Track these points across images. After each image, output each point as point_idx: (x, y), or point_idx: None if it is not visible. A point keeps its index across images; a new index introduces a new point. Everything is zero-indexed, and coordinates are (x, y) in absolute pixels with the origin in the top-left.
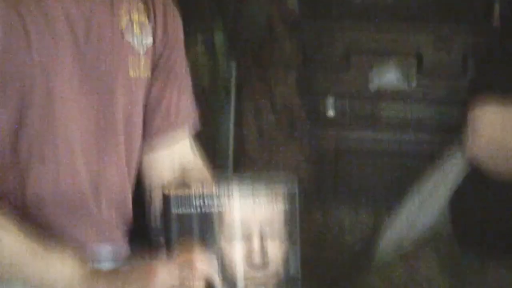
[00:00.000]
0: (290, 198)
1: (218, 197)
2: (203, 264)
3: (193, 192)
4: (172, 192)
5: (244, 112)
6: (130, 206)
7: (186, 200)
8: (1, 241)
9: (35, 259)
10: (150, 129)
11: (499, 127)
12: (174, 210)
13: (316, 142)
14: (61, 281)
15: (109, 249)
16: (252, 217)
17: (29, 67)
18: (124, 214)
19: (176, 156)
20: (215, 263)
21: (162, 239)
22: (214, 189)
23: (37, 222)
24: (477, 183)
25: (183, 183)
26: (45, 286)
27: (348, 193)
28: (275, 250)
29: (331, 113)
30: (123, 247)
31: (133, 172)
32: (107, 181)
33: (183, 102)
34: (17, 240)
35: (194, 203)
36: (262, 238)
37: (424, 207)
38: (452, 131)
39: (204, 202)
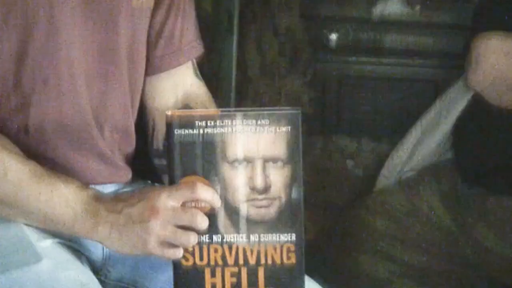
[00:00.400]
0: (292, 121)
1: (221, 120)
2: (205, 187)
3: (196, 116)
4: (175, 116)
5: (246, 40)
6: (133, 132)
7: (189, 123)
8: (5, 165)
9: (39, 183)
10: (153, 55)
11: (502, 56)
12: (177, 134)
13: (319, 70)
14: (64, 205)
15: (111, 175)
16: (255, 141)
17: None
18: (126, 140)
19: (179, 82)
20: (217, 187)
21: (164, 164)
22: (218, 113)
23: (39, 148)
24: (480, 112)
25: (187, 108)
26: (48, 210)
27: (351, 120)
28: (278, 174)
29: (334, 40)
30: (126, 173)
31: (136, 99)
32: (109, 107)
33: (186, 28)
34: (21, 164)
35: (197, 127)
36: (264, 162)
37: (426, 135)
38: (456, 59)
39: (207, 125)
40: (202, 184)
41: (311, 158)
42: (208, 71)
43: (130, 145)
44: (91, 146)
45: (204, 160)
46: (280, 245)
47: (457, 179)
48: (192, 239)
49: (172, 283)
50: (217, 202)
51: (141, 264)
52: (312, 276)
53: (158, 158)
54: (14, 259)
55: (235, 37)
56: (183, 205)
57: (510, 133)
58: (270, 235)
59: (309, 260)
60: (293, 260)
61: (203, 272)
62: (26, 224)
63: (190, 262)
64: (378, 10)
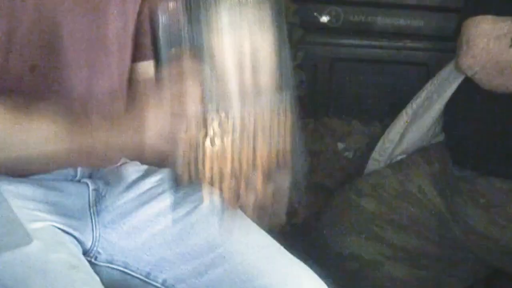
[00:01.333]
0: (278, 25)
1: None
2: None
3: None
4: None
5: None
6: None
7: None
8: None
9: (22, 110)
10: (142, 38)
11: (492, 40)
12: (163, 20)
13: (310, 52)
14: (46, 130)
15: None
16: (240, 8)
17: None
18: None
19: None
20: (205, 57)
21: None
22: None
23: None
24: (471, 95)
25: None
26: (35, 128)
27: (342, 103)
28: (265, 38)
29: (325, 19)
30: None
31: (125, 87)
32: (97, 96)
33: None
34: None
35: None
36: (251, 27)
37: (417, 119)
38: (447, 41)
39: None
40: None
41: (302, 140)
42: None
43: None
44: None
45: (190, 31)
46: (276, 105)
47: (448, 162)
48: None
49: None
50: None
51: (131, 245)
52: (302, 257)
53: None
54: (4, 241)
55: None
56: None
57: (500, 116)
58: (264, 97)
59: (299, 242)
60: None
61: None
62: (17, 206)
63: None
64: None
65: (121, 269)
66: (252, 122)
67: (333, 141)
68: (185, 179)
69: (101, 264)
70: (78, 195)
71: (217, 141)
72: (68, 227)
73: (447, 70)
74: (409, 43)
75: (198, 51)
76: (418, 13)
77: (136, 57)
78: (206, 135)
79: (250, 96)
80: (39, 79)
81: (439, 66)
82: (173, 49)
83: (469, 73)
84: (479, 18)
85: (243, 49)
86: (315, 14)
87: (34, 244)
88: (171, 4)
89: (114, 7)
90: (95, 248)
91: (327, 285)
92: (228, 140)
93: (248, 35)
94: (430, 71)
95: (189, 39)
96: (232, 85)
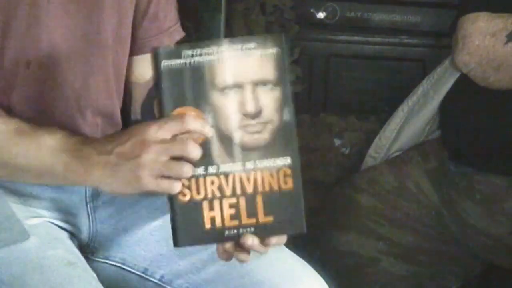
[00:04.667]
0: (278, 43)
1: (208, 46)
2: (194, 118)
3: (182, 45)
4: (162, 47)
5: (234, 14)
6: (119, 116)
7: (176, 52)
8: None
9: (25, 139)
10: (137, 33)
11: (488, 37)
12: (165, 65)
13: (307, 48)
14: (53, 155)
15: None
16: (243, 65)
17: None
18: (111, 125)
19: None
20: (209, 116)
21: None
22: (204, 41)
23: None
24: (467, 91)
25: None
26: (39, 164)
27: (338, 99)
28: (268, 97)
29: (321, 15)
30: None
31: (122, 82)
32: (92, 91)
33: (169, 10)
34: (5, 124)
35: (183, 56)
36: (254, 86)
37: (414, 115)
38: (444, 36)
39: (193, 54)
40: (190, 115)
41: (299, 137)
42: None
43: (115, 130)
44: (73, 129)
45: (194, 89)
46: (277, 170)
47: (444, 158)
48: (186, 168)
49: (170, 221)
50: (208, 132)
51: (128, 241)
52: (298, 253)
53: None
54: (1, 237)
55: (222, 16)
56: (173, 136)
57: (496, 112)
58: (265, 160)
59: (296, 238)
60: (290, 184)
61: (201, 206)
62: (14, 202)
63: (187, 197)
64: None
65: (118, 265)
66: (252, 186)
67: (329, 137)
68: (183, 238)
69: (98, 260)
70: (75, 191)
71: (216, 205)
72: (65, 223)
73: (444, 67)
74: (405, 39)
75: (202, 110)
76: (415, 9)
77: (131, 50)
78: (205, 198)
79: (252, 157)
80: (34, 75)
81: (436, 62)
82: (176, 109)
83: (465, 70)
84: (475, 15)
85: (247, 107)
86: (311, 10)
87: (31, 241)
88: (174, 64)
89: (109, 1)
90: (92, 244)
91: (324, 280)
92: (227, 204)
93: (252, 92)
94: (426, 67)
95: (193, 99)
96: (235, 146)
